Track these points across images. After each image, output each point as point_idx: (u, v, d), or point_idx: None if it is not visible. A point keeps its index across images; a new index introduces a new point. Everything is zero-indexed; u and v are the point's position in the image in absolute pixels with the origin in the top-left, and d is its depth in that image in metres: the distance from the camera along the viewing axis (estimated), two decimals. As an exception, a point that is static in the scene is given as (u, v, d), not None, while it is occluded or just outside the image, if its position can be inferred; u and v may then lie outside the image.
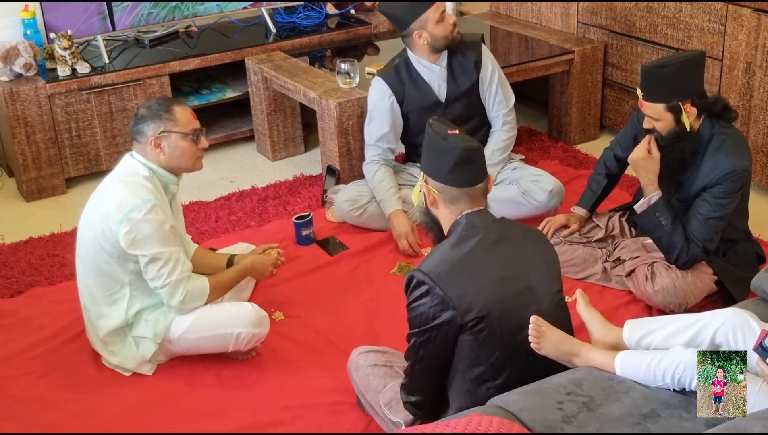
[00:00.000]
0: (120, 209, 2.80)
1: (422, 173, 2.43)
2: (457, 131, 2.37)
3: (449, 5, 4.76)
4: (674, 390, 2.21)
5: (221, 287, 3.02)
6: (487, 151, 3.81)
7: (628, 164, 3.31)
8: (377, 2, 5.23)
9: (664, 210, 3.08)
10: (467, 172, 2.33)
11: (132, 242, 2.81)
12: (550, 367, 2.35)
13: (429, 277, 2.26)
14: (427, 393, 2.41)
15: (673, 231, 3.06)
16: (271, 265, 3.21)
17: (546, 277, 2.38)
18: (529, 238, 2.45)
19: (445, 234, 2.41)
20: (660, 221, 3.08)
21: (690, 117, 3.00)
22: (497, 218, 2.42)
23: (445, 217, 2.40)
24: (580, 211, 3.52)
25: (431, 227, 2.47)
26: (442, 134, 2.35)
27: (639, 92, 3.04)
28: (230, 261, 3.24)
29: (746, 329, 2.24)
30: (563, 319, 2.41)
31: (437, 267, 2.28)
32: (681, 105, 2.98)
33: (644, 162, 3.08)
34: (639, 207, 3.15)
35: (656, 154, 3.07)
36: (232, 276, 3.10)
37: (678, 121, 3.01)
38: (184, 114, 2.91)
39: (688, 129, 3.01)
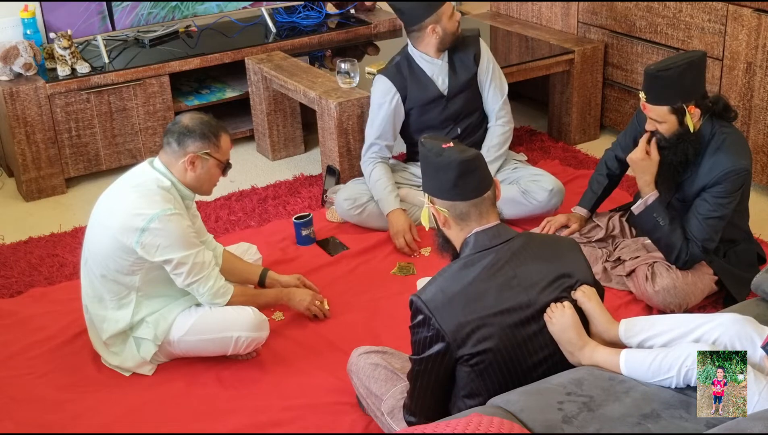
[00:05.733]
0: (140, 220, 2.79)
1: (426, 195, 2.35)
2: (451, 144, 2.29)
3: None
4: (677, 387, 2.19)
5: (247, 303, 3.03)
6: (484, 148, 3.82)
7: (629, 165, 3.31)
8: (377, 2, 5.23)
9: (661, 211, 3.08)
10: (471, 182, 2.26)
11: (156, 250, 2.81)
12: None
13: (427, 307, 2.22)
14: (427, 416, 2.35)
15: (672, 231, 3.06)
16: (309, 302, 3.18)
17: (554, 292, 2.29)
18: (545, 252, 2.32)
19: (458, 251, 2.35)
20: (657, 222, 3.08)
21: (693, 118, 3.00)
22: (513, 235, 2.30)
23: (456, 235, 2.33)
24: (580, 211, 3.52)
25: (446, 248, 2.39)
26: (436, 151, 2.27)
27: (642, 95, 3.03)
28: (263, 275, 3.25)
29: (745, 340, 2.22)
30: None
31: (437, 296, 2.23)
32: (685, 107, 2.98)
33: (642, 163, 3.08)
34: (636, 208, 3.15)
35: (655, 155, 3.07)
36: (262, 301, 3.12)
37: (681, 122, 3.00)
38: (227, 144, 2.94)
39: (692, 130, 3.01)
